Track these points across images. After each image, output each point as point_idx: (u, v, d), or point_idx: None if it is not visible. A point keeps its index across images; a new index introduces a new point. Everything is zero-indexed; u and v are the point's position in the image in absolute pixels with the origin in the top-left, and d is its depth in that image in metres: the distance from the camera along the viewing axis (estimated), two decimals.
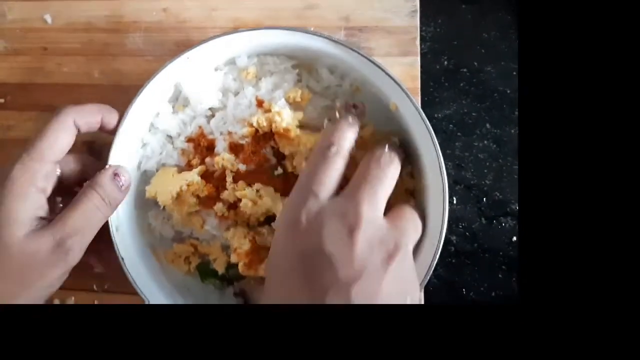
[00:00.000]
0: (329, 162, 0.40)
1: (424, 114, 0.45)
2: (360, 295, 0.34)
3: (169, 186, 0.48)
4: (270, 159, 0.48)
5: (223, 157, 0.48)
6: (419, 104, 0.46)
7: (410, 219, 0.41)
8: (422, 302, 0.44)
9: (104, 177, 0.44)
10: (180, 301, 0.49)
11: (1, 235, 0.41)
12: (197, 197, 0.48)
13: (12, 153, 0.56)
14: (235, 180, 0.47)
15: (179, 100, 0.51)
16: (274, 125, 0.47)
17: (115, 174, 0.45)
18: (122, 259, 0.46)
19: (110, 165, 0.46)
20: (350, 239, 0.36)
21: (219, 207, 0.47)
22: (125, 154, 0.48)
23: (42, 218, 0.43)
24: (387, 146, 0.42)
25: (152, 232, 0.51)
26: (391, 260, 0.36)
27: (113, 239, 0.46)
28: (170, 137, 0.51)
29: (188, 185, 0.47)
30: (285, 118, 0.47)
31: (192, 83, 0.50)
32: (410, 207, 0.42)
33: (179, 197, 0.48)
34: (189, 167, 0.49)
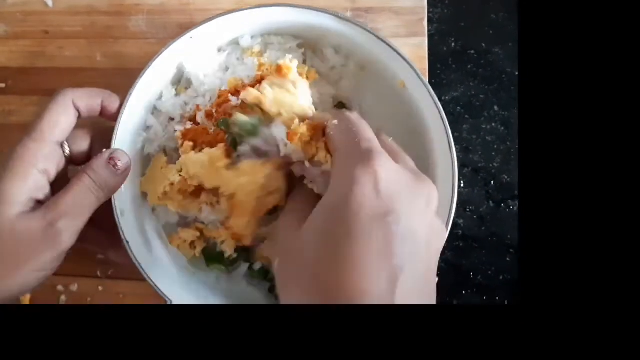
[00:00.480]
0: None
1: (432, 91, 0.44)
2: (427, 281, 0.33)
3: (156, 184, 0.47)
4: None
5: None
6: (427, 82, 0.45)
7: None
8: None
9: (98, 162, 0.43)
10: (187, 284, 0.48)
11: None
12: (184, 191, 0.46)
13: (14, 138, 0.55)
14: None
15: (181, 82, 0.50)
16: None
17: (111, 158, 0.43)
18: (127, 242, 0.45)
19: (105, 150, 0.44)
20: (425, 213, 0.34)
21: (204, 197, 0.46)
22: (128, 137, 0.47)
23: (39, 201, 0.42)
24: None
25: (157, 216, 0.50)
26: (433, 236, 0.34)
27: (118, 223, 0.45)
28: (172, 119, 0.49)
29: (171, 184, 0.46)
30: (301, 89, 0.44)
31: (195, 64, 0.48)
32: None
33: (165, 195, 0.47)
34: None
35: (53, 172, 0.43)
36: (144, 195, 0.49)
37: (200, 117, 0.47)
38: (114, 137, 0.45)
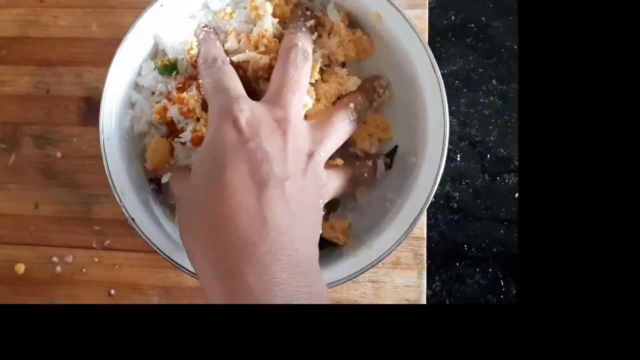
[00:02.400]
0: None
1: (408, 17, 0.42)
2: (292, 192, 0.35)
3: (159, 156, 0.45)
4: None
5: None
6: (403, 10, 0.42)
7: (334, 125, 0.41)
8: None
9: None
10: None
11: None
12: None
13: (7, 109, 0.52)
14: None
15: (158, 54, 0.46)
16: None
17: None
18: (133, 219, 0.42)
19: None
20: (283, 142, 0.37)
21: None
22: (114, 117, 0.43)
23: None
24: (298, 40, 0.41)
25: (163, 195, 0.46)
26: (307, 167, 0.37)
27: (119, 203, 0.42)
28: (154, 93, 0.46)
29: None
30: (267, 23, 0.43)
31: (169, 33, 0.45)
32: (340, 112, 0.41)
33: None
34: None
35: None
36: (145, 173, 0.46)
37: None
38: (101, 118, 0.42)
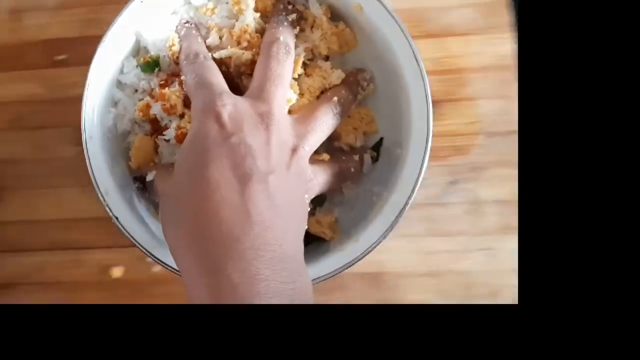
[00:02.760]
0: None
1: (390, 9, 0.42)
2: (276, 187, 0.35)
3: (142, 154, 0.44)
4: None
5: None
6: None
7: (317, 119, 0.40)
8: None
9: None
10: None
11: None
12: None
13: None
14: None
15: (140, 52, 0.45)
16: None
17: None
18: (117, 218, 0.41)
19: None
20: (267, 137, 0.36)
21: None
22: (97, 115, 0.43)
23: None
24: (280, 34, 0.41)
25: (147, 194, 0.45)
26: (291, 161, 0.37)
27: (103, 202, 0.41)
28: (137, 91, 0.45)
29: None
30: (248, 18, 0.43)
31: (150, 30, 0.44)
32: (323, 106, 0.41)
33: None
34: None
35: None
36: (129, 172, 0.46)
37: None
38: (82, 117, 0.42)
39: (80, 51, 0.52)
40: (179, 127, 0.42)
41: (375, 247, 0.42)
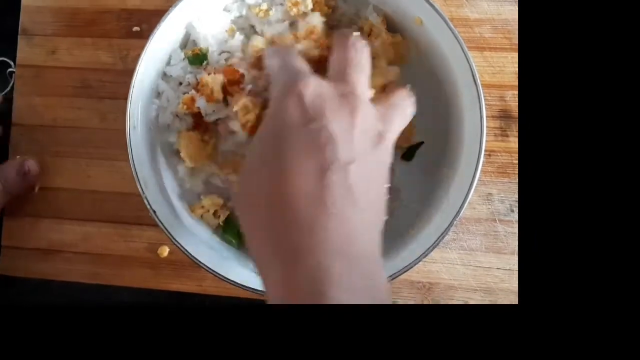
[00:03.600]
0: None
1: (451, 24, 0.40)
2: (356, 177, 0.33)
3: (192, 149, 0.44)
4: None
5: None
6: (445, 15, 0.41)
7: (398, 105, 0.38)
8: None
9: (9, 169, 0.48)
10: (208, 252, 0.44)
11: None
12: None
13: None
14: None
15: (188, 45, 0.45)
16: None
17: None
18: (154, 212, 0.41)
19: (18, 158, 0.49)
20: (351, 121, 0.34)
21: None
22: (142, 105, 0.43)
23: None
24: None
25: (182, 186, 0.46)
26: (375, 149, 0.35)
27: (142, 195, 0.41)
28: (181, 84, 0.45)
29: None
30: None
31: (201, 25, 0.44)
32: (401, 92, 0.38)
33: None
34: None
35: None
36: (166, 162, 0.46)
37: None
38: (128, 106, 0.41)
39: (155, 25, 0.50)
40: (245, 113, 0.41)
41: (411, 267, 0.41)
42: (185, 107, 0.43)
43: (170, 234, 0.41)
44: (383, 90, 0.42)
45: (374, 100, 0.37)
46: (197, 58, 0.43)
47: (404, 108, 0.38)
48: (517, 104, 0.48)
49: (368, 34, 0.44)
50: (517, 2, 0.48)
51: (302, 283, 0.30)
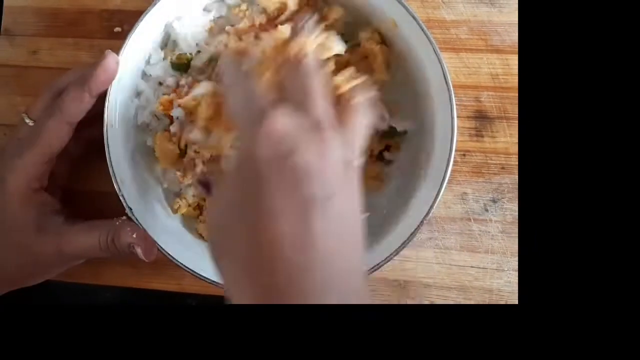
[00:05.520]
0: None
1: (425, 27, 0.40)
2: (336, 211, 0.31)
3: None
4: None
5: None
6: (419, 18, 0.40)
7: (357, 127, 0.35)
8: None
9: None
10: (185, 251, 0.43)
11: None
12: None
13: None
14: None
15: (168, 45, 0.45)
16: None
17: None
18: (130, 209, 0.41)
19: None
20: (323, 154, 0.32)
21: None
22: (120, 104, 0.42)
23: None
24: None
25: (161, 185, 0.46)
26: (347, 178, 0.33)
27: (118, 192, 0.41)
28: (161, 84, 0.44)
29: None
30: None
31: (181, 24, 0.44)
32: (356, 111, 0.35)
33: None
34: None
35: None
36: (143, 161, 0.45)
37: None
38: (106, 104, 0.41)
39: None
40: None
41: (383, 264, 0.41)
42: (161, 107, 0.43)
43: (146, 230, 0.41)
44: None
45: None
46: (181, 66, 0.44)
47: (361, 128, 0.36)
48: (491, 104, 0.48)
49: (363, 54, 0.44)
50: (492, 4, 0.48)
51: None
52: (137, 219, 0.41)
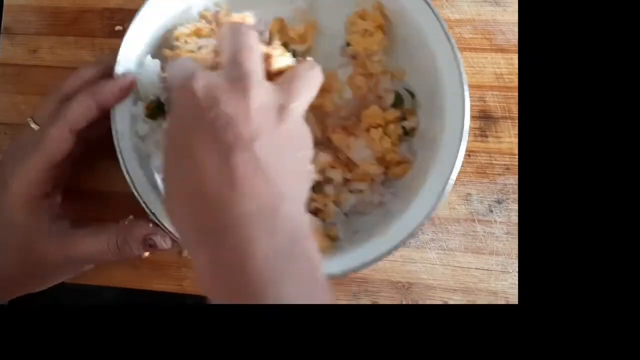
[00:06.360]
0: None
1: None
2: (263, 150, 0.33)
3: None
4: None
5: None
6: None
7: (301, 76, 0.37)
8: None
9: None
10: None
11: None
12: None
13: None
14: None
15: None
16: None
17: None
18: (154, 214, 0.40)
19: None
20: (246, 101, 0.34)
21: None
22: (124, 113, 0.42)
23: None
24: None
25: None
26: (281, 122, 0.35)
27: (139, 198, 0.40)
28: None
29: None
30: None
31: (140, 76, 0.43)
32: (303, 64, 0.38)
33: None
34: None
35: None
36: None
37: None
38: (112, 116, 0.41)
39: None
40: None
41: (378, 260, 0.41)
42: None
43: (164, 227, 0.41)
44: None
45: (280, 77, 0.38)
46: (154, 112, 0.43)
47: (308, 78, 0.38)
48: (496, 104, 0.47)
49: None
50: (496, 3, 0.47)
51: (226, 258, 0.32)
52: (160, 222, 0.40)
